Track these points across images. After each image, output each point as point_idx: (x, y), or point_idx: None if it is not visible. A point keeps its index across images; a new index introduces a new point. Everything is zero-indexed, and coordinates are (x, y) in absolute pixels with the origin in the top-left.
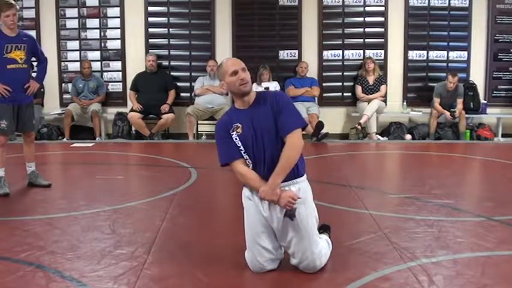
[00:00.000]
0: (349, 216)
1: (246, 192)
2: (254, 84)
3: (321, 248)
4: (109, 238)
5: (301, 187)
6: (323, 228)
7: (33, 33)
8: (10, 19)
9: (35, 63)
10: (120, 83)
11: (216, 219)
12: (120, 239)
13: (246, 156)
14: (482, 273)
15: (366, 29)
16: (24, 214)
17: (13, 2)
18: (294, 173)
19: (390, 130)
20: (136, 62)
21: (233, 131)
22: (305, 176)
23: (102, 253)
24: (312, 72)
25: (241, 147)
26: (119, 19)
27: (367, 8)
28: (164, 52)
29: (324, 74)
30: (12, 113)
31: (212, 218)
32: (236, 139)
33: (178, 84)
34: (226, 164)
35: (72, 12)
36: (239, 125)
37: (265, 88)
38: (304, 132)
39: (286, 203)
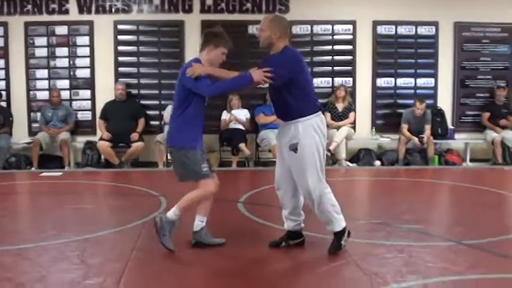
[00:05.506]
0: (318, 242)
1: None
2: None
3: (319, 188)
4: (78, 268)
5: (302, 126)
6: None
7: (1, 62)
8: (223, 58)
9: None
10: (89, 112)
11: (187, 248)
12: (89, 269)
13: None
14: None
15: (335, 57)
16: None
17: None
18: (293, 116)
19: (359, 156)
20: (106, 90)
21: None
22: (307, 117)
23: (71, 284)
24: None
25: None
26: (88, 48)
27: (335, 37)
28: (134, 81)
29: None
30: None
31: (183, 246)
32: None
33: (148, 112)
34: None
35: (41, 40)
36: None
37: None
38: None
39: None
